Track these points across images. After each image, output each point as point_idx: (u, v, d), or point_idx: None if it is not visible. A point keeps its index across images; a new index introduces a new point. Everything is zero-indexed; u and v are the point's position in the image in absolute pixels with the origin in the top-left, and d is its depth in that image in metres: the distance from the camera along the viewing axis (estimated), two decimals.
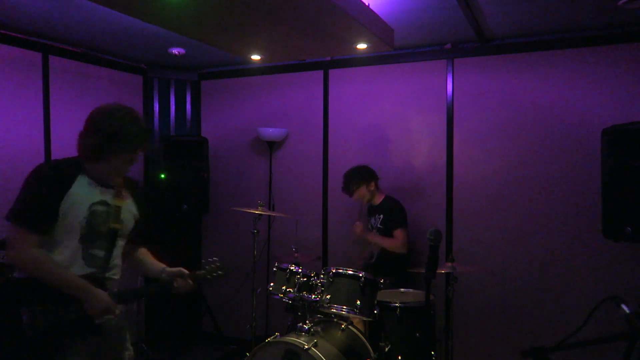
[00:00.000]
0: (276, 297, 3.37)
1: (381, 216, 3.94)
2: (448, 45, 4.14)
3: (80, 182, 2.08)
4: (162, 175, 4.72)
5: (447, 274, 3.38)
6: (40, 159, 4.07)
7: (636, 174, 3.06)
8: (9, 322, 1.97)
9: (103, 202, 2.13)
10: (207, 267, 2.48)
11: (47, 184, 2.03)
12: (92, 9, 3.34)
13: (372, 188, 3.97)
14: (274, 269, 3.53)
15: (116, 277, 2.23)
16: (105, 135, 2.04)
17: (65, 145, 4.23)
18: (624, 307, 1.68)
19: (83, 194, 2.08)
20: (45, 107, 4.12)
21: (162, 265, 2.40)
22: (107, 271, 2.16)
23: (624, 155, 3.10)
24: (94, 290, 2.05)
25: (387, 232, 3.89)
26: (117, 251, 2.21)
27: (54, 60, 4.18)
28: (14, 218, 2.02)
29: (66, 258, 2.06)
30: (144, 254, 2.45)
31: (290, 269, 3.39)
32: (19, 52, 3.94)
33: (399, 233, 3.84)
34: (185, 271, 2.35)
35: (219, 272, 2.47)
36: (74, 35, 4.03)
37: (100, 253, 2.13)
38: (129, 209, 2.26)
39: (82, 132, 2.10)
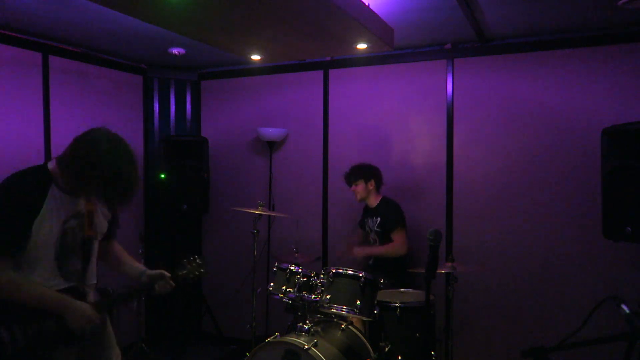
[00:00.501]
0: (276, 297, 3.37)
1: (378, 219, 3.93)
2: (448, 45, 4.14)
3: (51, 198, 1.98)
4: (162, 175, 4.72)
5: (447, 274, 3.38)
6: (41, 159, 4.07)
7: (636, 174, 3.06)
8: None
9: (75, 214, 2.07)
10: (188, 266, 2.43)
11: (16, 203, 1.93)
12: (92, 9, 3.34)
13: (371, 187, 3.96)
14: (274, 269, 3.52)
15: (94, 281, 2.21)
16: (102, 177, 1.92)
17: (65, 146, 4.23)
18: (624, 307, 1.68)
19: (55, 211, 1.99)
20: (45, 107, 4.11)
21: (141, 268, 2.37)
22: (86, 281, 2.14)
23: (624, 155, 3.10)
24: (74, 304, 2.01)
25: (385, 234, 3.89)
26: (94, 257, 2.20)
27: (54, 60, 4.17)
28: None
29: (44, 275, 2.01)
30: (120, 252, 2.41)
31: (290, 269, 3.39)
32: (19, 52, 3.93)
33: (397, 235, 3.84)
34: (166, 273, 2.32)
35: (201, 270, 2.43)
36: (74, 35, 4.03)
37: (78, 265, 2.10)
38: (101, 211, 2.20)
39: (75, 154, 1.96)
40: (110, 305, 2.22)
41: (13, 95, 3.90)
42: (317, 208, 4.66)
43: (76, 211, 2.07)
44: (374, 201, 4.00)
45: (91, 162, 1.91)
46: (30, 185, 1.98)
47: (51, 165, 2.05)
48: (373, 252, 3.93)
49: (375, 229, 3.93)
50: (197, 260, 2.45)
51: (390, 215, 3.89)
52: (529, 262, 3.90)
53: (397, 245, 3.82)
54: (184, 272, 2.41)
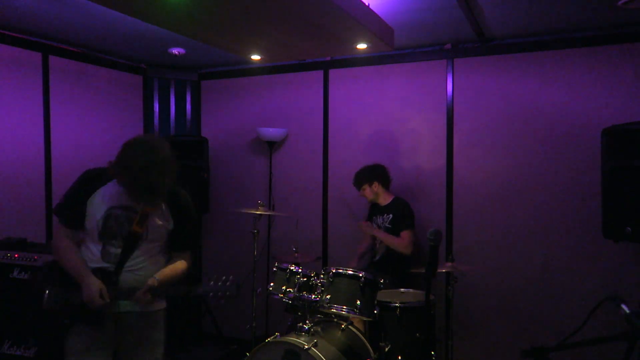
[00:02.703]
0: (276, 297, 3.37)
1: (390, 215, 3.94)
2: (448, 45, 4.14)
3: (108, 187, 2.31)
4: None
5: (447, 273, 3.38)
6: (41, 159, 4.08)
7: (636, 174, 3.06)
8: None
9: (125, 207, 2.31)
10: (212, 285, 2.31)
11: (80, 185, 2.34)
12: (92, 9, 3.34)
13: (376, 189, 3.97)
14: (274, 269, 3.52)
15: (140, 277, 2.29)
16: (129, 175, 2.17)
17: (65, 146, 4.24)
18: (624, 307, 1.68)
19: (105, 197, 2.30)
20: (45, 107, 4.11)
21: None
22: (124, 270, 2.28)
23: (624, 156, 3.10)
24: (87, 279, 2.21)
25: (394, 232, 3.89)
26: (138, 252, 2.31)
27: (54, 60, 4.17)
28: (54, 210, 2.42)
29: (92, 250, 2.30)
30: (169, 266, 2.42)
31: (290, 269, 3.39)
32: (19, 52, 3.93)
33: (405, 234, 3.84)
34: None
35: (227, 294, 2.31)
36: (74, 35, 4.03)
37: (117, 251, 2.29)
38: (160, 217, 2.36)
39: (129, 154, 2.19)
40: (128, 294, 2.26)
41: (13, 95, 3.90)
42: (317, 208, 4.66)
43: (127, 205, 2.31)
44: (384, 200, 4.01)
45: (123, 162, 2.19)
46: (93, 174, 2.37)
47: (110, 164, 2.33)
48: (380, 235, 3.94)
49: (387, 225, 3.93)
50: (227, 283, 2.31)
51: (402, 214, 3.90)
52: (529, 262, 3.90)
53: (404, 242, 3.82)
54: (205, 289, 2.28)
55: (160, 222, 2.37)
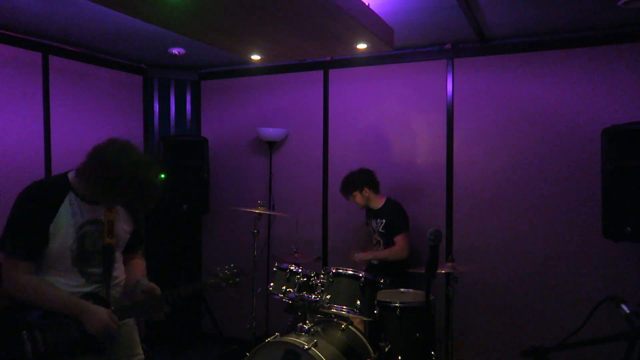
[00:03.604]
0: (276, 297, 3.37)
1: (383, 221, 3.93)
2: (448, 45, 4.14)
3: (68, 203, 2.03)
4: (162, 175, 4.69)
5: (447, 274, 3.38)
6: (40, 159, 4.07)
7: (636, 174, 3.06)
8: (11, 347, 1.94)
9: (93, 221, 2.09)
10: (220, 274, 2.37)
11: (33, 208, 1.99)
12: (92, 9, 3.34)
13: (367, 194, 3.95)
14: (274, 269, 3.53)
15: (119, 288, 2.22)
16: (127, 186, 1.96)
17: (65, 146, 4.23)
18: (624, 307, 1.68)
19: (72, 215, 2.03)
20: (45, 107, 4.11)
21: (138, 277, 2.28)
22: (110, 287, 2.13)
23: (624, 156, 3.10)
24: (91, 308, 2.01)
25: (388, 237, 3.89)
26: (116, 265, 2.20)
27: (54, 60, 4.17)
28: (3, 248, 2.00)
29: (68, 279, 2.04)
30: (135, 267, 2.36)
31: (290, 269, 3.39)
32: (19, 52, 3.93)
33: (399, 239, 3.84)
34: (157, 291, 2.23)
35: (235, 279, 2.37)
36: (74, 35, 4.03)
37: (98, 270, 2.11)
38: (123, 221, 2.22)
39: (98, 163, 1.99)
40: (131, 313, 2.19)
41: (13, 95, 3.90)
42: (317, 208, 4.66)
43: (94, 218, 2.09)
44: (377, 203, 4.00)
45: (116, 171, 1.94)
46: (46, 191, 2.04)
47: (71, 174, 2.10)
48: (376, 255, 3.92)
49: (380, 230, 3.93)
50: (233, 270, 2.36)
51: (395, 219, 3.89)
52: (529, 262, 3.90)
53: (398, 249, 3.82)
54: (214, 280, 2.34)
55: (124, 227, 2.23)
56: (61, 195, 2.03)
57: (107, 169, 1.95)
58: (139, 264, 2.40)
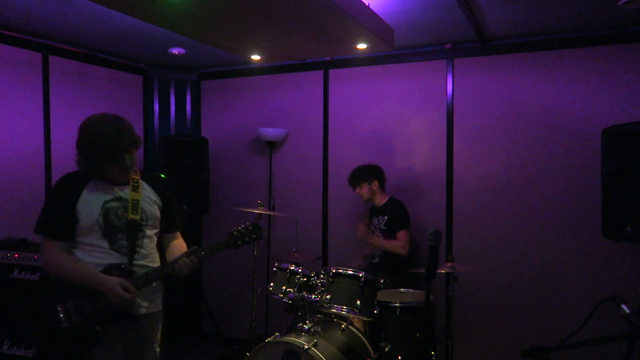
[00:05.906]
0: (276, 297, 3.37)
1: (385, 217, 3.94)
2: (448, 45, 4.14)
3: (92, 185, 2.27)
4: (162, 175, 4.71)
5: (447, 274, 3.38)
6: (40, 159, 4.08)
7: (636, 174, 3.05)
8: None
9: (117, 198, 2.30)
10: (242, 230, 2.53)
11: (60, 192, 2.27)
12: (92, 9, 3.34)
13: (375, 188, 3.97)
14: (274, 269, 3.52)
15: (152, 264, 2.37)
16: (92, 150, 2.18)
17: (65, 146, 4.23)
18: (624, 307, 1.68)
19: (95, 194, 2.26)
20: (45, 107, 4.11)
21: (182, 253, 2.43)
22: (136, 260, 2.30)
23: (624, 156, 3.10)
24: (104, 280, 2.18)
25: (390, 233, 3.90)
26: (145, 240, 2.36)
27: (54, 60, 4.17)
28: (36, 230, 2.27)
29: (98, 252, 2.25)
30: (175, 247, 2.54)
31: (290, 269, 3.39)
32: (19, 52, 3.93)
33: (401, 235, 3.85)
34: (196, 249, 2.41)
35: (256, 235, 2.52)
36: (74, 35, 4.03)
37: (125, 243, 2.29)
38: (149, 200, 2.40)
39: (78, 133, 2.24)
40: (146, 282, 2.30)
41: (13, 95, 3.90)
42: (317, 208, 4.66)
43: (116, 196, 2.31)
44: (380, 200, 4.01)
45: (91, 137, 2.19)
46: (71, 179, 2.31)
47: None
48: (376, 242, 3.95)
49: (382, 227, 3.94)
50: (257, 226, 2.52)
51: (397, 215, 3.91)
52: (529, 262, 3.90)
53: (400, 244, 3.83)
54: (237, 232, 2.52)
55: (150, 204, 2.40)
56: (84, 179, 2.28)
57: (84, 136, 2.21)
58: (179, 245, 2.58)
